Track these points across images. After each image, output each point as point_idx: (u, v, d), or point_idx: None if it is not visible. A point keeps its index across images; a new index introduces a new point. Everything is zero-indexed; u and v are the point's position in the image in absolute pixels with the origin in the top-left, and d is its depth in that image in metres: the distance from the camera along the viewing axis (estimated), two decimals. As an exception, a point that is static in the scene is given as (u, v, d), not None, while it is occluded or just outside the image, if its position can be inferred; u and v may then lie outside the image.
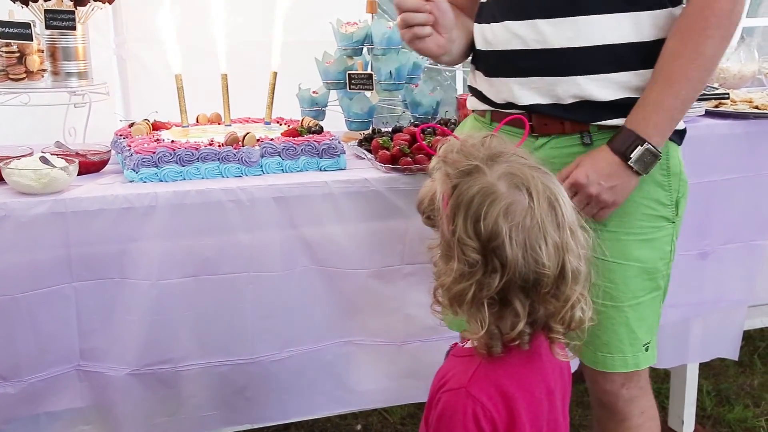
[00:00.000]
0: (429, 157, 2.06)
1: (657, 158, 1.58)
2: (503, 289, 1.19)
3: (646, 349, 1.72)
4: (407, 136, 2.27)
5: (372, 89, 2.57)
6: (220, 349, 2.04)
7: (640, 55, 1.59)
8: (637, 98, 1.59)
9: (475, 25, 1.78)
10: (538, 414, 1.31)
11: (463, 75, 3.28)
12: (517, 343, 1.23)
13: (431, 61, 2.81)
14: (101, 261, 1.91)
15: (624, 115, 1.60)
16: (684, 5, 1.61)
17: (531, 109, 1.66)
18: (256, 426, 2.17)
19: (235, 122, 2.44)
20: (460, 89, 3.26)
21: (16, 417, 1.95)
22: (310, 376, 2.14)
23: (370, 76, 2.55)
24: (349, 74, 2.56)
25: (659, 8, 1.59)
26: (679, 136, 1.70)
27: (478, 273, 1.19)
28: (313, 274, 2.08)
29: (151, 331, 1.96)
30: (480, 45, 1.76)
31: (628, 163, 1.56)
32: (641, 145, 1.55)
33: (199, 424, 2.08)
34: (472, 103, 1.86)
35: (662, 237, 1.68)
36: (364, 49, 2.66)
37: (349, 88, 2.57)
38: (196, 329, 2.00)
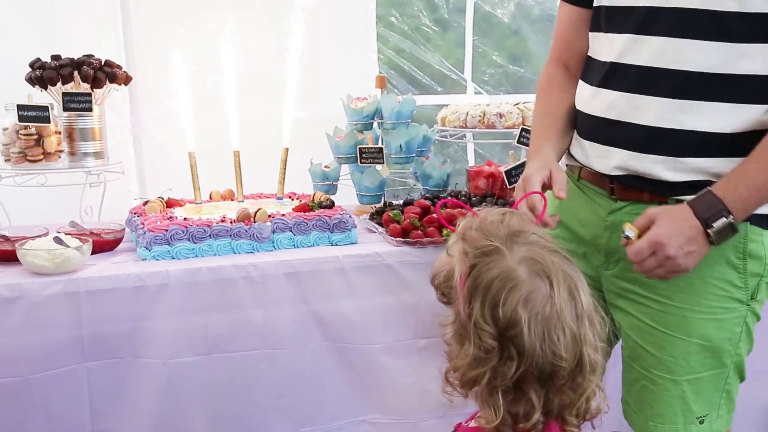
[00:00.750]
0: (440, 228, 2.10)
1: (734, 235, 1.53)
2: (519, 378, 1.16)
3: (701, 422, 1.66)
4: (418, 209, 2.29)
5: (383, 163, 2.60)
6: (233, 428, 2.01)
7: (725, 144, 1.55)
8: (713, 181, 1.55)
9: (580, 82, 1.77)
10: None
11: (474, 147, 3.32)
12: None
13: (441, 134, 2.85)
14: (113, 340, 1.91)
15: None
16: None
17: (612, 177, 1.66)
18: None
19: (247, 198, 2.47)
20: (471, 161, 3.28)
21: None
22: (323, 457, 2.11)
23: (380, 149, 2.58)
24: (359, 148, 2.59)
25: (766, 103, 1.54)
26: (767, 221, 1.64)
27: (494, 360, 1.16)
28: (325, 351, 2.07)
29: (163, 410, 1.95)
30: (578, 103, 1.76)
31: (708, 231, 1.50)
32: (725, 217, 1.49)
33: None
34: (567, 159, 1.84)
35: (732, 318, 1.62)
36: (375, 124, 2.70)
37: (360, 162, 2.59)
38: (208, 408, 1.99)
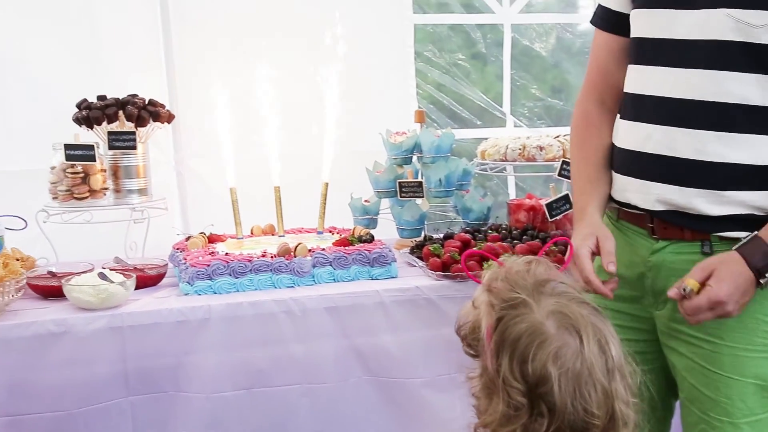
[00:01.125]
0: (481, 262, 2.08)
1: None
2: None
3: None
4: (458, 243, 2.28)
5: (422, 197, 2.60)
6: (275, 463, 2.02)
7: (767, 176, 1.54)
8: (756, 215, 1.53)
9: (618, 118, 1.75)
10: None
11: (514, 180, 3.31)
12: None
13: (481, 167, 2.85)
14: (157, 374, 1.93)
15: (745, 228, 1.54)
16: None
17: (652, 214, 1.63)
18: None
19: (288, 233, 2.49)
20: (512, 194, 3.27)
21: None
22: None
23: (420, 183, 2.59)
24: (399, 182, 2.60)
25: None
26: None
27: (524, 417, 1.13)
28: (366, 385, 2.07)
29: (206, 445, 1.96)
30: (615, 139, 1.74)
31: (760, 281, 1.49)
32: None
33: None
34: None
35: None
36: (414, 158, 2.71)
37: (400, 196, 2.60)
38: (250, 443, 1.99)
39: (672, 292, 1.52)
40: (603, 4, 1.76)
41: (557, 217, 2.46)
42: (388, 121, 2.81)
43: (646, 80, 1.63)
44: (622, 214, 1.72)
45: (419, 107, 3.10)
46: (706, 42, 1.52)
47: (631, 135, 1.66)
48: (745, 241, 1.50)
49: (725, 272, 1.49)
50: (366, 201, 2.70)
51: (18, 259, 2.12)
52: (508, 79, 3.24)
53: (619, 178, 1.70)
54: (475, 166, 2.80)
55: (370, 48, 2.94)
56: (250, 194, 2.48)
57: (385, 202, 2.71)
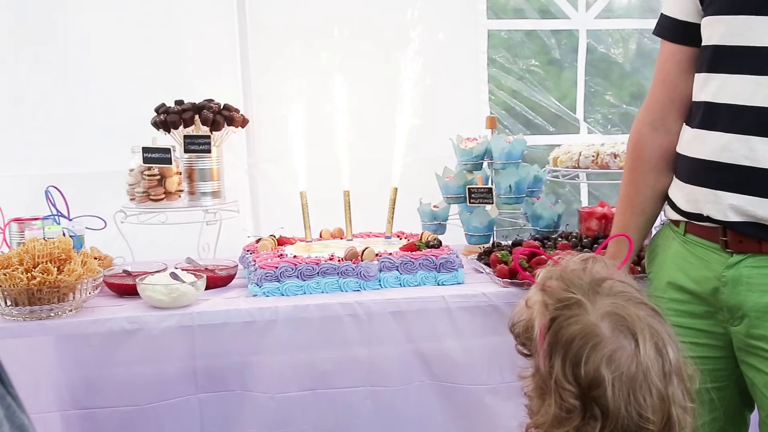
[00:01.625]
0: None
1: None
2: None
3: None
4: (527, 251, 2.26)
5: (492, 203, 2.59)
6: (338, 464, 2.04)
7: None
8: None
9: (685, 126, 1.71)
10: None
11: (587, 188, 3.26)
12: None
13: (552, 174, 2.82)
14: (225, 373, 1.98)
15: None
16: None
17: (727, 225, 1.59)
18: None
19: (356, 237, 2.51)
20: (585, 202, 3.23)
21: None
22: (427, 495, 2.10)
23: (489, 190, 2.58)
24: (469, 188, 2.60)
25: None
26: None
27: (576, 419, 1.12)
28: (430, 390, 2.07)
29: (271, 443, 1.99)
30: (682, 149, 1.70)
31: None
32: None
33: None
34: (668, 210, 1.79)
35: None
36: (485, 164, 2.70)
37: (469, 203, 2.60)
38: (314, 443, 2.02)
39: None
40: (668, 15, 1.72)
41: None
42: (459, 127, 2.80)
43: (722, 88, 1.59)
44: (690, 227, 1.67)
45: (491, 113, 3.09)
46: None
47: (704, 144, 1.62)
48: None
49: None
50: (435, 206, 2.70)
51: (96, 258, 2.20)
52: (582, 86, 3.19)
53: (689, 189, 1.66)
54: (547, 173, 2.78)
55: (443, 53, 2.94)
56: (320, 198, 2.51)
57: (455, 208, 2.70)
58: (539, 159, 3.10)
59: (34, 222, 2.39)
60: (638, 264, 2.13)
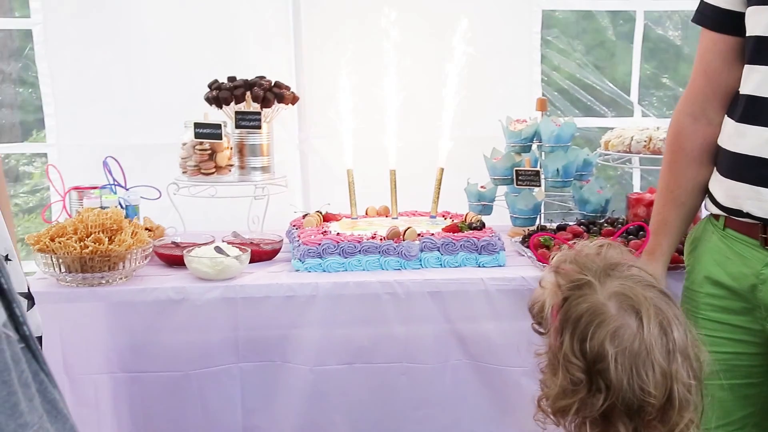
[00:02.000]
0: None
1: None
2: (606, 411, 1.17)
3: None
4: (570, 235, 2.26)
5: (539, 186, 2.59)
6: (373, 435, 2.09)
7: None
8: None
9: (726, 118, 1.69)
10: None
11: (640, 173, 3.22)
12: None
13: (604, 158, 2.80)
14: (265, 345, 2.05)
15: None
16: None
17: (766, 222, 1.58)
18: None
19: (402, 215, 2.54)
20: (636, 187, 3.19)
21: (184, 485, 2.09)
22: (460, 469, 2.14)
23: (537, 173, 2.58)
24: (516, 170, 2.60)
25: None
26: None
27: (582, 391, 1.18)
28: (466, 368, 2.10)
29: (309, 413, 2.06)
30: (723, 142, 1.69)
31: None
32: None
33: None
34: (708, 204, 1.78)
35: None
36: (534, 146, 2.69)
37: (517, 184, 2.60)
38: (350, 414, 2.08)
39: None
40: (710, 2, 1.68)
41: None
42: (511, 108, 2.80)
43: (765, 81, 1.56)
44: (730, 222, 1.66)
45: (543, 95, 3.07)
46: None
47: (748, 139, 1.59)
48: None
49: None
50: (482, 187, 2.71)
51: (147, 228, 2.28)
52: (637, 68, 3.13)
53: (729, 184, 1.64)
54: (597, 157, 2.76)
55: (496, 33, 2.94)
56: (369, 176, 2.55)
57: (502, 189, 2.71)
58: (592, 142, 3.08)
59: (92, 191, 2.49)
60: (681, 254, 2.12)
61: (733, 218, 1.64)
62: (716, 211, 1.69)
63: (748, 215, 1.60)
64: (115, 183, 2.51)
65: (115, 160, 2.52)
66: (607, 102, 3.32)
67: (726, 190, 1.65)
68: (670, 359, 1.16)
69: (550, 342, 1.27)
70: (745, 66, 1.62)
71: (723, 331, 1.64)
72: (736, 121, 1.63)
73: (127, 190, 2.52)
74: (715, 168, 1.72)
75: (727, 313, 1.64)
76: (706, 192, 1.76)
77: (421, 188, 2.58)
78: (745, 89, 1.62)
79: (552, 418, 1.26)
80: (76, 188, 2.52)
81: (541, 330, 1.33)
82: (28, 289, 1.46)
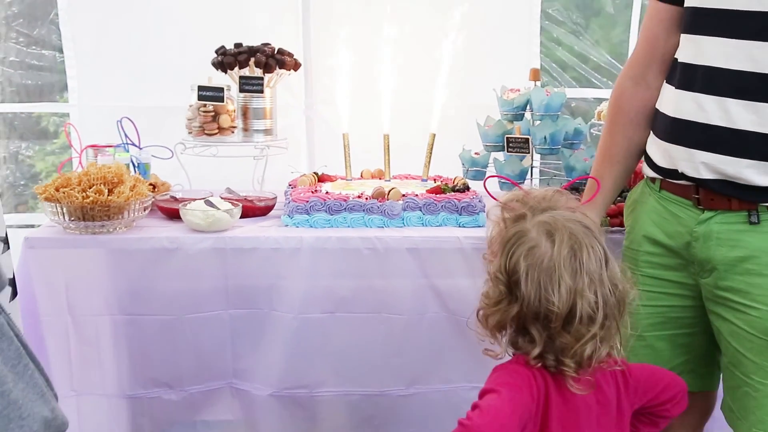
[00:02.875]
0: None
1: None
2: (521, 319, 1.37)
3: None
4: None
5: (528, 153, 2.69)
6: (353, 380, 2.25)
7: None
8: None
9: (665, 84, 1.78)
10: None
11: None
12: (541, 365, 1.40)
13: (597, 128, 2.89)
14: (253, 293, 2.20)
15: None
16: None
17: (699, 183, 1.67)
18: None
19: (395, 178, 2.67)
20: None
21: (177, 422, 2.28)
22: (436, 415, 2.27)
23: (526, 140, 2.68)
24: (507, 138, 2.70)
25: None
26: None
27: (504, 302, 1.39)
28: (443, 321, 2.23)
29: (292, 358, 2.21)
30: (661, 106, 1.78)
31: None
32: None
33: (330, 445, 2.31)
34: (645, 167, 1.87)
35: None
36: (527, 114, 2.79)
37: (507, 151, 2.71)
38: (331, 360, 2.23)
39: None
40: None
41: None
42: (510, 78, 2.89)
43: (699, 50, 1.65)
44: (665, 185, 1.76)
45: (542, 66, 3.16)
46: (762, 14, 1.53)
47: (682, 104, 1.69)
48: None
49: None
50: (476, 153, 2.82)
51: (152, 184, 2.44)
52: (634, 40, 3.20)
53: (666, 146, 1.74)
54: (589, 127, 2.84)
55: (496, 5, 3.03)
56: (372, 141, 2.67)
57: (499, 157, 2.81)
58: (589, 113, 3.16)
59: (107, 149, 2.66)
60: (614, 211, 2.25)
61: (669, 180, 1.74)
62: (653, 174, 1.79)
63: (682, 175, 1.69)
64: (129, 142, 2.68)
65: (130, 120, 2.69)
66: (605, 73, 3.39)
67: (663, 152, 1.75)
68: (576, 278, 1.34)
69: (491, 265, 1.47)
70: (682, 35, 1.71)
71: (661, 286, 1.76)
72: (675, 88, 1.72)
73: (140, 149, 2.69)
74: (652, 131, 1.81)
75: (665, 270, 1.75)
76: (641, 154, 1.86)
77: (420, 154, 2.70)
78: (681, 57, 1.71)
79: (487, 331, 1.45)
80: (92, 146, 2.70)
81: (490, 258, 1.51)
82: (6, 235, 1.57)
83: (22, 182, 3.63)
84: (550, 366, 1.40)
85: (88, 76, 3.13)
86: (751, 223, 1.63)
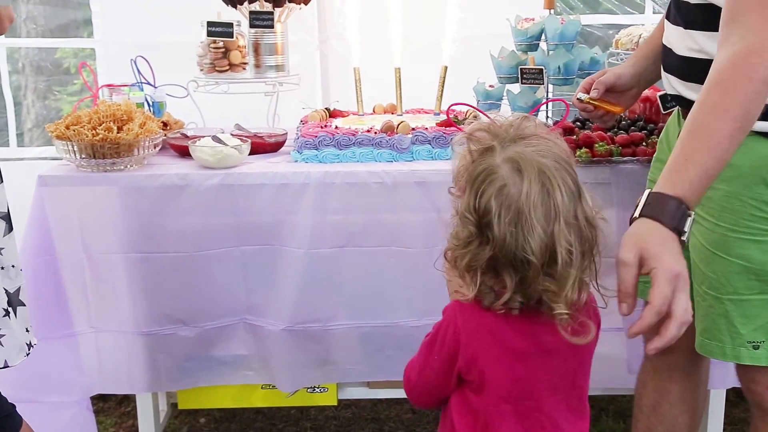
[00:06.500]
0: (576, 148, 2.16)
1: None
2: (493, 262, 1.29)
3: (755, 348, 1.67)
4: (560, 130, 2.33)
5: (542, 84, 2.65)
6: (364, 312, 2.27)
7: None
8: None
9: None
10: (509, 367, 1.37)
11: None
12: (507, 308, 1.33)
13: (613, 58, 2.83)
14: (264, 229, 2.22)
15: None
16: None
17: (677, 100, 1.81)
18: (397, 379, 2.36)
19: (408, 112, 2.65)
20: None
21: (192, 357, 2.33)
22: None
23: (540, 71, 2.63)
24: (521, 69, 2.65)
25: None
26: None
27: (474, 244, 1.30)
28: (453, 255, 2.23)
29: (304, 293, 2.24)
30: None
31: (682, 238, 1.36)
32: (689, 216, 1.37)
33: (343, 375, 2.38)
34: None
35: None
36: (542, 44, 2.74)
37: (521, 83, 2.66)
38: (342, 294, 2.25)
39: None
40: None
41: (672, 110, 2.43)
42: (525, 7, 2.83)
43: None
44: (683, 112, 1.80)
45: (559, -7, 3.09)
46: None
47: (667, 33, 1.81)
48: (649, 204, 1.38)
49: (660, 247, 1.33)
50: (490, 86, 2.78)
51: (164, 122, 2.46)
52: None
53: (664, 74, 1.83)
54: (606, 56, 2.78)
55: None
56: (385, 76, 2.65)
57: (513, 89, 2.77)
58: (607, 42, 3.09)
59: (122, 87, 2.68)
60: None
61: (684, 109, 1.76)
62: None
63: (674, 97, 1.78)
64: (144, 81, 2.68)
65: (145, 59, 2.69)
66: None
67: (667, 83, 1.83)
68: (553, 222, 1.26)
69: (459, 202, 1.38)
70: None
71: None
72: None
73: (156, 88, 2.70)
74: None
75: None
76: None
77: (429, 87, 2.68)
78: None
79: (456, 272, 1.38)
80: (108, 85, 2.72)
81: (457, 193, 1.41)
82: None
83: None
84: (514, 309, 1.33)
85: (111, 12, 3.13)
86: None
